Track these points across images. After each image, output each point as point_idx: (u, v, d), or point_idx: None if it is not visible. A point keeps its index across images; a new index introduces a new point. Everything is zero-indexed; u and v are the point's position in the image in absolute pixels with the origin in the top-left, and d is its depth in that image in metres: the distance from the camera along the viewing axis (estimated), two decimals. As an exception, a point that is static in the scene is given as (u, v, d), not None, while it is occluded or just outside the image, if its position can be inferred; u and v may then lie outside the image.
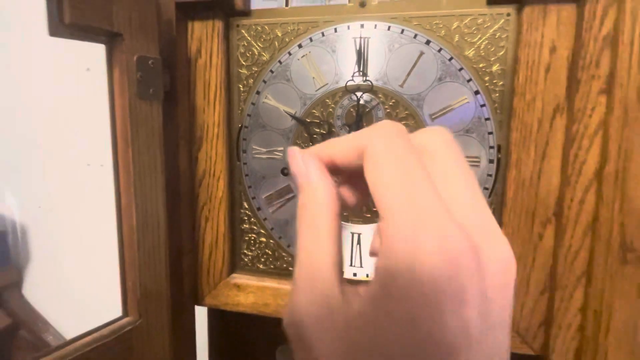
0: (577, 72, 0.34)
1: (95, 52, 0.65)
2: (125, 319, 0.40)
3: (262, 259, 0.48)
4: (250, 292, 0.47)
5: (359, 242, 0.44)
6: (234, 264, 0.48)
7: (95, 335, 0.38)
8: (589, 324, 0.36)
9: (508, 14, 0.37)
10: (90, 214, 0.81)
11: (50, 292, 0.87)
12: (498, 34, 0.38)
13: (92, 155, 0.79)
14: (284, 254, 0.47)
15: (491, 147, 0.39)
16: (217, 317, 0.57)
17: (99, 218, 0.80)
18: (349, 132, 0.42)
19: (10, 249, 0.84)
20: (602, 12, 0.33)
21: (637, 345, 0.34)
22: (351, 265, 0.44)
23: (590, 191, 0.35)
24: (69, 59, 0.75)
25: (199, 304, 0.49)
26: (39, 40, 0.77)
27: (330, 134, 0.43)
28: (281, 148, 0.45)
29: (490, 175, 0.40)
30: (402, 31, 0.40)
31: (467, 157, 0.40)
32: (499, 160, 0.39)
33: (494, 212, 0.40)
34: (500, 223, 0.39)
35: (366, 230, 0.44)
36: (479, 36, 0.38)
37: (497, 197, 0.40)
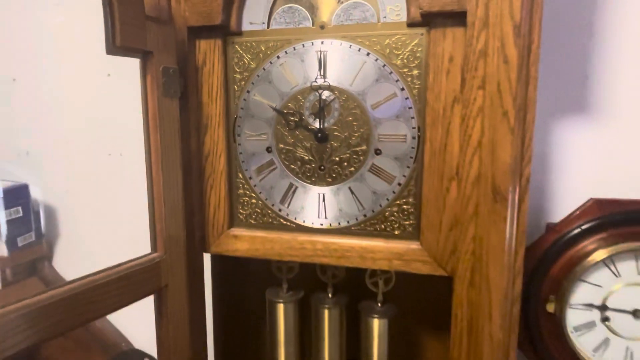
0: (465, 74, 0.51)
1: (115, 62, 0.82)
2: (155, 254, 0.56)
3: (253, 216, 0.63)
4: (244, 240, 0.63)
5: (323, 200, 0.60)
6: (232, 220, 0.64)
7: (133, 262, 0.53)
8: (477, 248, 0.52)
9: (422, 34, 0.53)
10: (110, 196, 0.97)
11: (75, 263, 1.03)
12: (415, 48, 0.54)
13: (113, 146, 0.94)
14: (269, 211, 0.63)
15: (413, 128, 0.55)
16: (218, 264, 0.73)
17: (117, 200, 0.96)
18: (314, 119, 0.58)
19: (43, 227, 1.00)
20: (477, 35, 0.49)
21: (505, 258, 0.50)
22: (318, 217, 0.60)
23: (475, 156, 0.51)
24: (94, 67, 0.91)
25: (206, 252, 0.65)
26: (71, 52, 0.93)
27: (301, 120, 0.59)
28: (266, 132, 0.61)
29: (413, 148, 0.56)
30: (350, 46, 0.56)
31: (397, 135, 0.56)
32: (419, 137, 0.55)
33: (417, 174, 0.56)
34: (422, 181, 0.55)
35: (328, 191, 0.59)
36: (403, 49, 0.54)
37: (418, 163, 0.56)
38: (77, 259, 1.02)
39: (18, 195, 0.92)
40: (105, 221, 0.98)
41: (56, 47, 0.94)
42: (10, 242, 0.91)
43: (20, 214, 0.92)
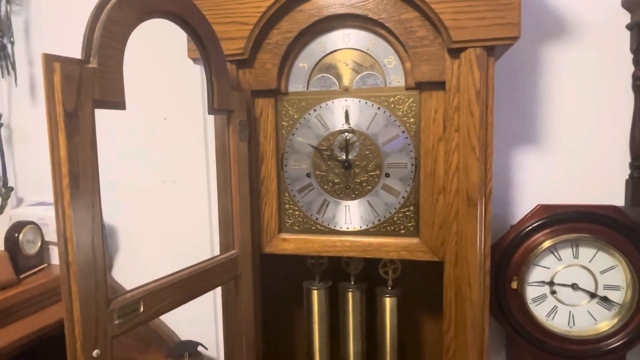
0: (446, 122, 0.76)
1: (169, 106, 1.07)
2: (233, 251, 0.78)
3: (297, 224, 0.86)
4: (291, 242, 0.86)
5: (349, 210, 0.84)
6: (281, 228, 0.87)
7: (219, 258, 0.76)
8: (459, 239, 0.76)
9: (416, 95, 0.79)
10: (164, 220, 1.19)
11: (132, 275, 1.23)
12: (412, 105, 0.79)
13: (167, 175, 1.17)
14: (309, 220, 0.86)
15: (412, 158, 0.80)
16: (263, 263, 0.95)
17: (170, 223, 1.18)
18: (342, 152, 0.82)
19: (105, 242, 1.20)
20: (453, 96, 0.74)
21: (478, 245, 0.74)
22: (345, 223, 0.84)
23: (455, 176, 0.75)
24: (152, 111, 1.14)
25: (262, 252, 0.87)
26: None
27: (332, 154, 0.83)
28: (306, 162, 0.84)
29: (412, 172, 0.80)
30: (366, 103, 0.81)
31: (401, 163, 0.80)
32: (416, 164, 0.80)
33: (415, 190, 0.80)
34: (419, 195, 0.79)
35: (352, 204, 0.83)
36: (402, 105, 0.79)
37: (416, 182, 0.80)
38: (132, 271, 1.22)
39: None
40: (159, 240, 1.19)
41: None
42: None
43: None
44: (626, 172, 0.90)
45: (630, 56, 0.87)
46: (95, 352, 0.52)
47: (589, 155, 0.93)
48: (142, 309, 0.58)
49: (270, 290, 1.02)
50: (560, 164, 0.94)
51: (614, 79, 0.90)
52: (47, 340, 1.03)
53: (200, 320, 1.18)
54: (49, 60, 0.47)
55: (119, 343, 1.13)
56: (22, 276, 1.06)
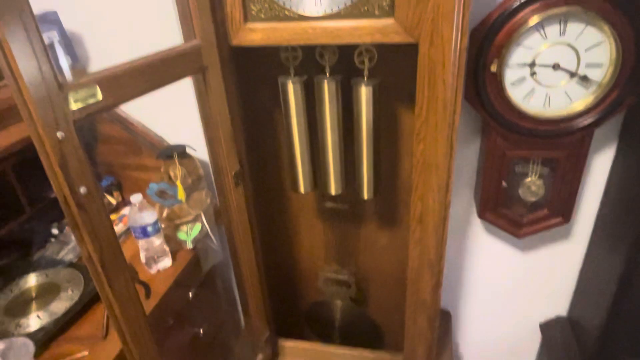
0: None
1: None
2: (195, 41, 0.74)
3: (263, 12, 0.79)
4: (258, 32, 0.80)
5: None
6: (247, 16, 0.80)
7: (179, 47, 0.72)
8: (435, 15, 0.70)
9: None
10: (129, 21, 1.09)
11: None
12: None
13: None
14: (275, 6, 0.78)
15: None
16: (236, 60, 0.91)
17: (137, 26, 1.09)
18: None
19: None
20: None
21: (455, 19, 0.68)
22: (315, 6, 0.77)
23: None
24: None
25: (230, 44, 0.82)
26: None
27: None
28: None
29: None
30: None
31: None
32: None
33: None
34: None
35: None
36: None
37: None
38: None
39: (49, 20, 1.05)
40: (127, 42, 1.13)
41: None
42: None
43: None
44: None
45: None
46: (59, 134, 0.53)
47: None
48: (100, 94, 0.57)
49: (249, 89, 1.01)
50: None
51: None
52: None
53: (188, 126, 1.20)
54: None
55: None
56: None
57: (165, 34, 1.06)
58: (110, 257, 0.60)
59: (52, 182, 0.54)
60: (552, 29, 0.82)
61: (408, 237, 0.88)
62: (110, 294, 0.62)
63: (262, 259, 1.08)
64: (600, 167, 1.04)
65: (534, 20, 0.81)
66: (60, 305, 0.95)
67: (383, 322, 1.30)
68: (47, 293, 0.99)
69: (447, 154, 0.79)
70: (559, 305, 1.28)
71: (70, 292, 0.98)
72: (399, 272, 1.16)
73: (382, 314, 1.29)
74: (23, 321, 0.91)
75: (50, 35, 1.03)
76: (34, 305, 0.96)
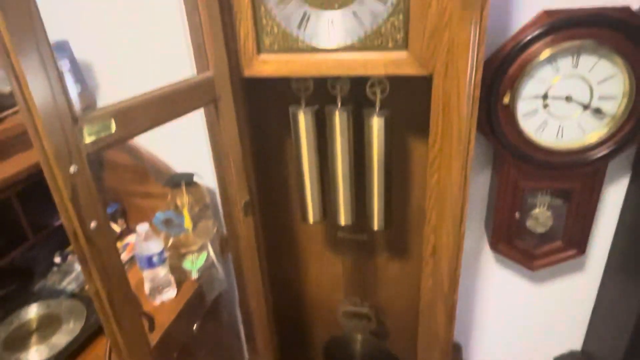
0: None
1: None
2: (208, 73, 0.73)
3: (276, 43, 0.80)
4: (270, 63, 0.80)
5: (332, 24, 0.76)
6: (260, 48, 0.80)
7: (193, 79, 0.71)
8: (450, 47, 0.70)
9: None
10: (139, 49, 1.10)
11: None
12: None
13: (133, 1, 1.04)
14: (289, 37, 0.79)
15: None
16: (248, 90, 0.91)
17: (146, 53, 1.09)
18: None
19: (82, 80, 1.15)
20: None
21: (470, 53, 0.68)
22: (328, 39, 0.77)
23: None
24: None
25: (242, 75, 0.82)
26: None
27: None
28: None
29: None
30: None
31: None
32: None
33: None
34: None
35: (337, 15, 0.75)
36: None
37: None
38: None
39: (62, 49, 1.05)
40: (137, 69, 1.13)
41: None
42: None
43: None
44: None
45: None
46: (72, 168, 0.52)
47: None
48: (114, 127, 0.56)
49: (259, 119, 1.00)
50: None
51: None
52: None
53: (195, 154, 1.19)
54: None
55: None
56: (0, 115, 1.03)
57: (174, 63, 1.08)
58: (118, 293, 0.58)
59: (62, 216, 0.52)
60: (565, 62, 0.82)
61: (421, 268, 0.86)
62: (116, 330, 0.59)
63: (270, 292, 1.05)
64: (613, 197, 1.02)
65: (546, 53, 0.81)
66: (62, 339, 0.91)
67: (402, 356, 1.26)
68: (48, 325, 0.96)
69: (462, 184, 0.77)
70: (572, 339, 1.24)
71: (71, 324, 0.95)
72: (415, 304, 1.13)
73: (399, 347, 1.25)
74: (22, 356, 0.88)
75: (61, 64, 1.03)
76: (34, 339, 0.93)
